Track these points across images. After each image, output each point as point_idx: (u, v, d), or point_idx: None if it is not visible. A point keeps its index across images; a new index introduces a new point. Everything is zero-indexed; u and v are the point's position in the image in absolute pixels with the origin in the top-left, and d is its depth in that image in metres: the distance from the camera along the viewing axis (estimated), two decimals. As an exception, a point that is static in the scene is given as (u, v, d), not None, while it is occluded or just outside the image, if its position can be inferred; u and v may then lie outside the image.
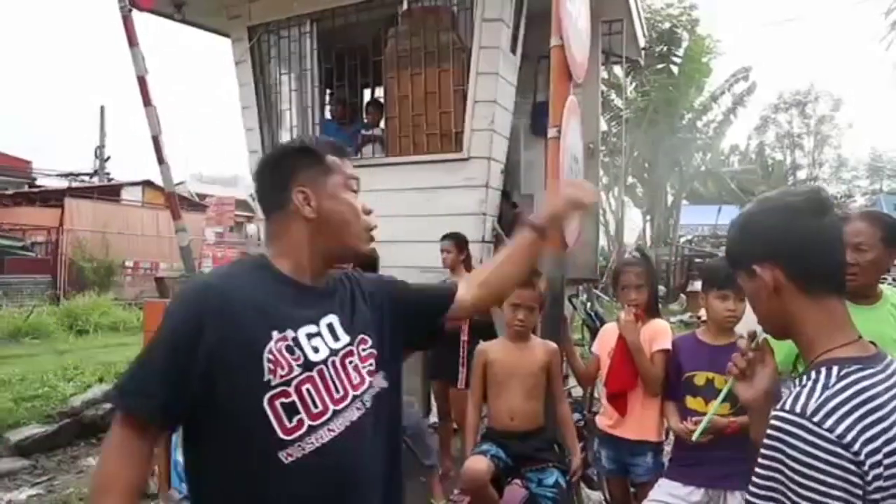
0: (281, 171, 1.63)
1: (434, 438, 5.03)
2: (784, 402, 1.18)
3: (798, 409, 1.14)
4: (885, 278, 3.77)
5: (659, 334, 3.14)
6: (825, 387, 1.17)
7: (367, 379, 1.62)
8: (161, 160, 4.77)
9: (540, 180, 6.67)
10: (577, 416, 3.65)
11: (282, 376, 1.46)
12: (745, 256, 1.37)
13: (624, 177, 17.81)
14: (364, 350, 1.64)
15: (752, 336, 1.54)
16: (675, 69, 18.88)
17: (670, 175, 21.04)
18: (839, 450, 1.09)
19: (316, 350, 1.53)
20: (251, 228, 29.44)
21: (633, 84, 18.62)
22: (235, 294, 1.49)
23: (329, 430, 1.51)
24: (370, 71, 6.04)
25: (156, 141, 4.71)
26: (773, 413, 1.19)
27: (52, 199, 20.14)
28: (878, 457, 1.10)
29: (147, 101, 4.72)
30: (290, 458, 1.46)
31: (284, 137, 6.51)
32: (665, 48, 18.67)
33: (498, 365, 3.04)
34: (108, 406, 6.03)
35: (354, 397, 1.58)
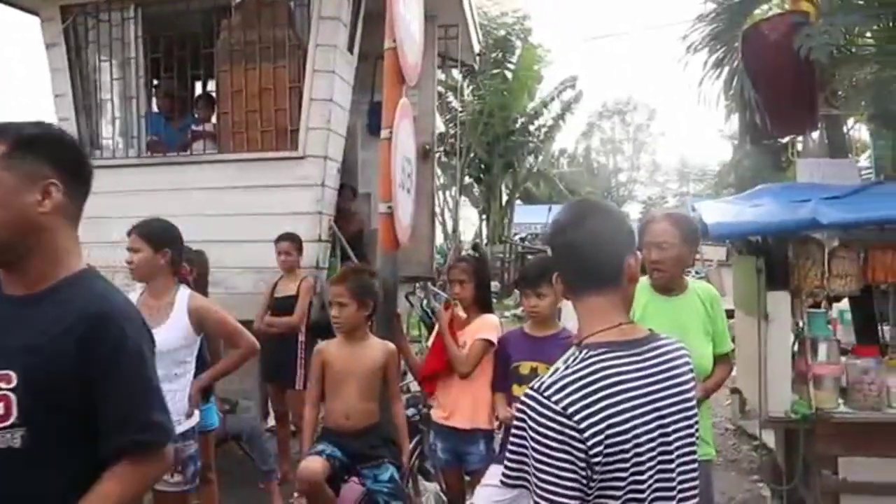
0: None
1: (272, 442, 4.93)
2: (534, 382, 1.44)
3: (536, 385, 1.41)
4: (688, 271, 4.21)
5: (485, 326, 3.35)
6: (566, 367, 1.42)
7: None
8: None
9: (377, 179, 6.71)
10: (413, 410, 3.75)
11: None
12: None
13: (461, 177, 18.38)
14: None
15: None
16: (509, 75, 19.73)
17: (505, 176, 21.97)
18: (562, 419, 1.33)
19: None
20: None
21: (470, 87, 19.23)
22: None
23: None
24: (201, 63, 5.78)
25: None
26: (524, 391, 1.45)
27: None
28: (601, 427, 1.34)
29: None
30: None
31: (106, 129, 6.07)
32: (500, 54, 19.44)
33: (335, 364, 3.05)
34: None
35: None
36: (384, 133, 3.43)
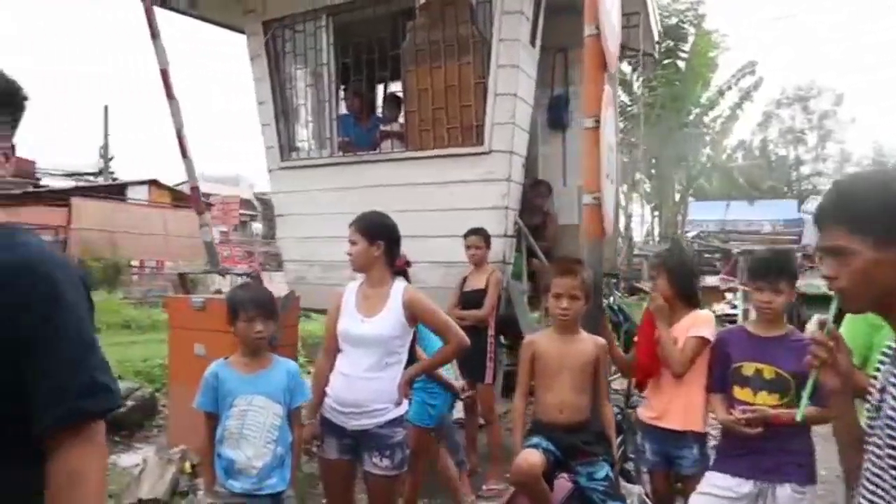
0: None
1: (461, 434, 4.99)
2: None
3: None
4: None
5: (700, 322, 3.16)
6: None
7: None
8: (185, 154, 4.74)
9: (557, 174, 6.63)
10: (615, 409, 3.62)
11: None
12: (875, 224, 1.32)
13: (633, 172, 17.79)
14: None
15: (823, 324, 1.56)
16: (681, 64, 18.86)
17: (677, 170, 21.00)
18: None
19: None
20: (256, 227, 29.59)
21: (640, 80, 18.58)
22: None
23: None
24: (388, 65, 5.99)
25: (179, 134, 4.68)
26: None
27: (58, 198, 20.11)
28: None
29: (170, 94, 4.69)
30: None
31: (300, 133, 6.48)
32: (672, 43, 18.61)
33: (547, 357, 2.99)
34: (130, 403, 5.88)
35: None
36: (589, 122, 3.32)
